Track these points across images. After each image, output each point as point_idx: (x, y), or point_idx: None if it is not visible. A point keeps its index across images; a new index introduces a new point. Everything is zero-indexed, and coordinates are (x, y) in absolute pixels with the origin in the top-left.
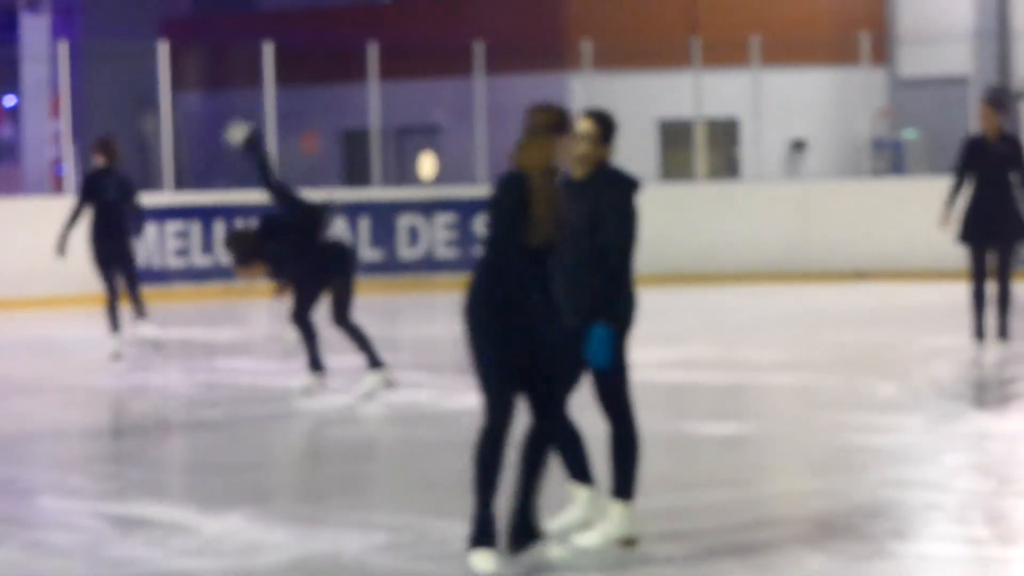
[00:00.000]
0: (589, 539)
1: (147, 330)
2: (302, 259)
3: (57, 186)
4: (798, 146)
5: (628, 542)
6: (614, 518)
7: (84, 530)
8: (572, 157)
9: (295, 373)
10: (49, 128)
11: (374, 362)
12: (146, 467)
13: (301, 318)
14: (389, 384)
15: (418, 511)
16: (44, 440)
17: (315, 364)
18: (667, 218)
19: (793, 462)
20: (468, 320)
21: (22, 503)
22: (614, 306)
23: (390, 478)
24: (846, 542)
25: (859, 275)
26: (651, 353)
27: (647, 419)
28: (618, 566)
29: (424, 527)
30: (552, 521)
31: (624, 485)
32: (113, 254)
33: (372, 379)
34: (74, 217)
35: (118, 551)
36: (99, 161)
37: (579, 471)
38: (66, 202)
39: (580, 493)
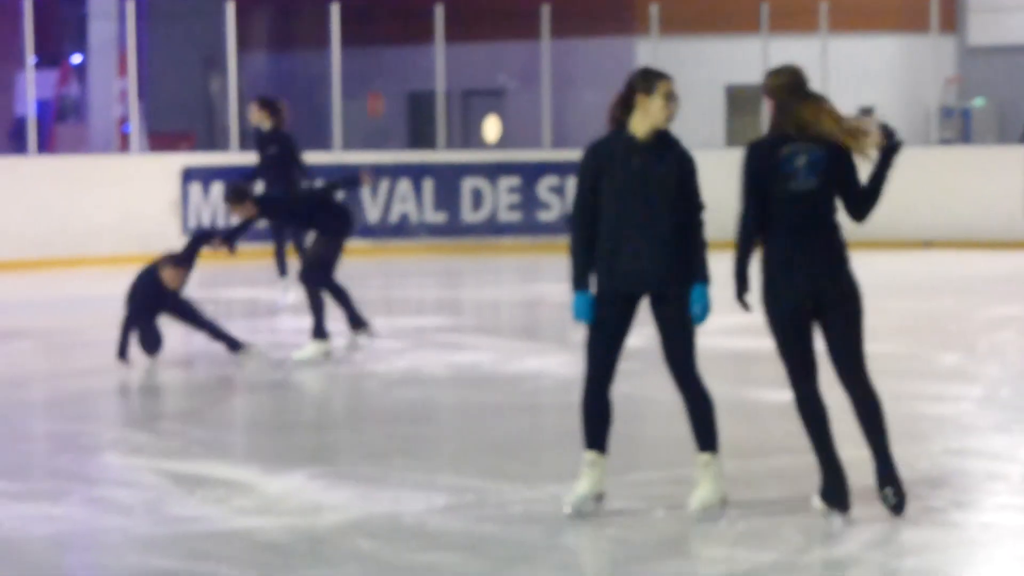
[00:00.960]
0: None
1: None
2: (307, 219)
3: (123, 145)
4: (866, 113)
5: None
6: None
7: (147, 487)
8: (667, 118)
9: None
10: (115, 87)
11: (356, 322)
12: (209, 426)
13: (310, 280)
14: (370, 336)
15: (479, 473)
16: (107, 397)
17: (320, 332)
18: (733, 184)
19: (856, 430)
20: None
21: (85, 459)
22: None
23: (452, 440)
24: (909, 511)
25: (926, 243)
26: (716, 320)
27: (712, 386)
28: (685, 532)
29: (485, 489)
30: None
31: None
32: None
33: (356, 339)
34: (255, 175)
35: (180, 509)
36: (264, 121)
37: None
38: (131, 160)
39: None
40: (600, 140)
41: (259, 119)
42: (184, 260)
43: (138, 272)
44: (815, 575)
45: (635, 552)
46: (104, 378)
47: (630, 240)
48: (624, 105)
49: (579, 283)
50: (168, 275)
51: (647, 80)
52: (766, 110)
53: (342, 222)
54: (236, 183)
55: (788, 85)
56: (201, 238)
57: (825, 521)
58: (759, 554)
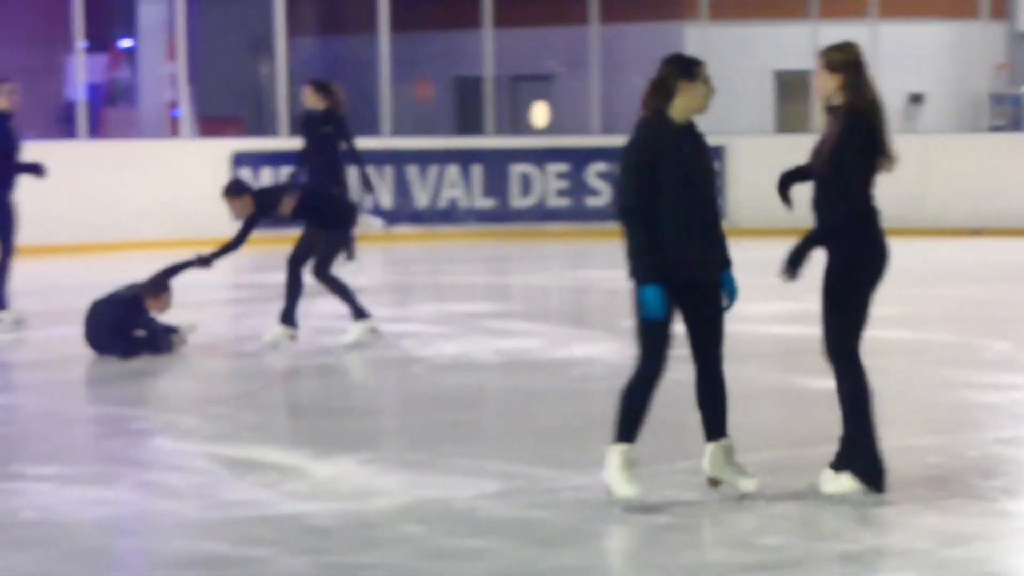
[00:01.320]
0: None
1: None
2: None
3: (172, 129)
4: (916, 99)
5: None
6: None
7: (197, 472)
8: (708, 104)
9: (408, 320)
10: (165, 71)
11: (359, 313)
12: (259, 410)
13: (326, 273)
14: (373, 332)
15: (529, 459)
16: (157, 381)
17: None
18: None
19: (906, 418)
20: None
21: (136, 444)
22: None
23: (501, 426)
24: (960, 500)
25: (976, 231)
26: (763, 307)
27: (759, 373)
28: (736, 520)
29: (535, 475)
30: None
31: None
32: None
33: (357, 328)
34: (303, 158)
35: (231, 493)
36: (318, 103)
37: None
38: (180, 145)
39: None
40: (647, 127)
41: (313, 101)
42: (163, 285)
43: (98, 306)
44: (866, 564)
45: (686, 539)
46: (154, 362)
47: (693, 228)
48: (661, 91)
49: (651, 275)
50: (159, 305)
51: (688, 66)
52: (815, 96)
53: (344, 217)
54: (235, 178)
55: (856, 61)
56: (179, 267)
57: (876, 510)
58: (811, 543)
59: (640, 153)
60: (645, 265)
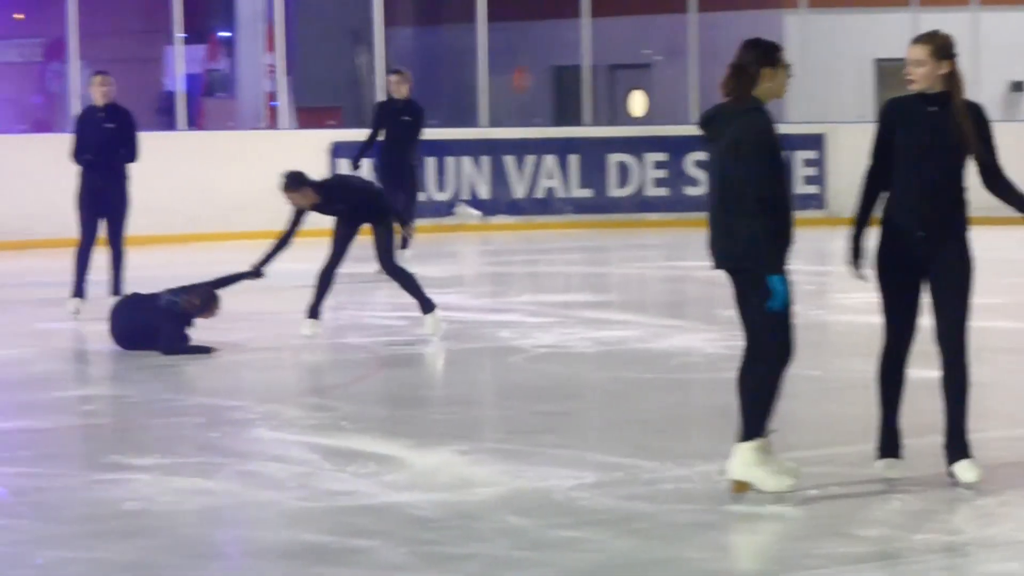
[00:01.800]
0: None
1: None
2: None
3: (271, 120)
4: (1017, 87)
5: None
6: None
7: (298, 462)
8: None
9: (505, 310)
10: (263, 62)
11: (426, 306)
12: (358, 401)
13: (391, 264)
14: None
15: (628, 450)
16: (257, 372)
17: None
18: None
19: (1010, 408)
20: None
21: (236, 434)
22: None
23: (600, 417)
24: None
25: None
26: (863, 296)
27: (858, 364)
28: (839, 512)
29: (634, 466)
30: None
31: None
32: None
33: (431, 321)
34: (366, 143)
35: (331, 484)
36: (404, 92)
37: None
38: (279, 136)
39: None
40: (765, 113)
41: (404, 91)
42: (214, 299)
43: (135, 307)
44: (970, 555)
45: (790, 531)
46: (254, 353)
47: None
48: (744, 77)
49: (783, 263)
50: (208, 315)
51: (772, 53)
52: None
53: (387, 211)
54: (293, 170)
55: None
56: (231, 279)
57: (980, 501)
58: (913, 534)
59: (772, 137)
60: (778, 253)
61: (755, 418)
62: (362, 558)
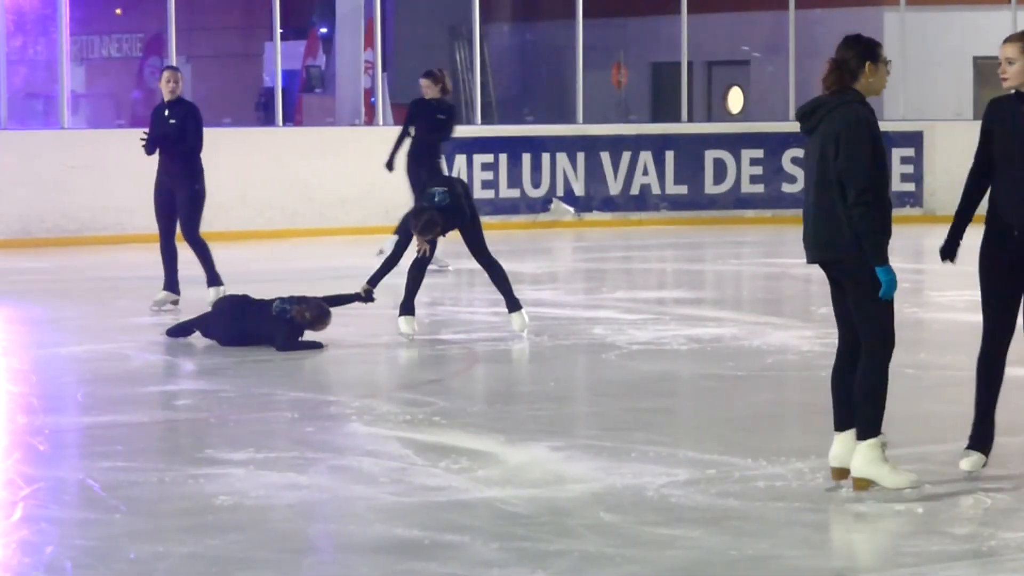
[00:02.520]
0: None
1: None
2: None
3: (369, 116)
4: None
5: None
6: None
7: (392, 457)
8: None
9: (600, 307)
10: (362, 58)
11: (512, 304)
12: (451, 396)
13: (487, 257)
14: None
15: (722, 448)
16: (351, 367)
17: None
18: None
19: None
20: None
21: (331, 429)
22: None
23: (694, 414)
24: None
25: None
26: (959, 294)
27: (953, 361)
28: (932, 510)
29: (728, 463)
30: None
31: None
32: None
33: (517, 319)
34: (398, 140)
35: (424, 479)
36: (434, 92)
37: None
38: (377, 132)
39: None
40: (866, 104)
41: (434, 92)
42: (326, 314)
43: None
44: None
45: (883, 529)
46: (348, 348)
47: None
48: (846, 72)
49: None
50: (322, 325)
51: (874, 49)
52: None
53: (473, 208)
54: (424, 213)
55: None
56: (342, 299)
57: None
58: (1006, 532)
59: (874, 127)
60: (883, 244)
61: (874, 415)
62: (454, 554)
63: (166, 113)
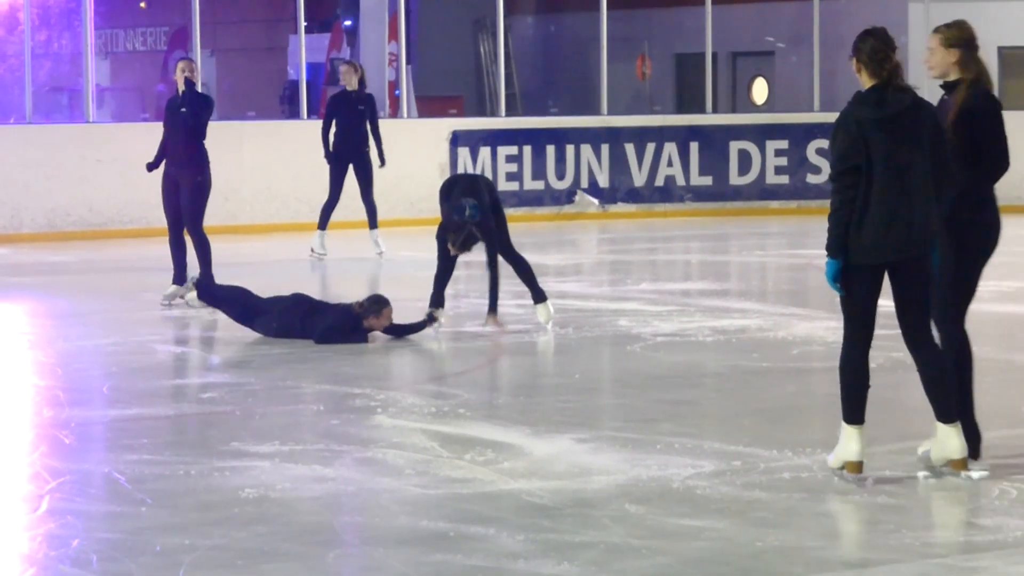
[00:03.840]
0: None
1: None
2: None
3: (393, 109)
4: None
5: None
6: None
7: (417, 449)
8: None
9: (625, 298)
10: (386, 50)
11: (538, 296)
12: (476, 388)
13: (511, 251)
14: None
15: (747, 439)
16: (376, 359)
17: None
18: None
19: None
20: None
21: (356, 421)
22: None
23: (719, 405)
24: None
25: None
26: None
27: (984, 351)
28: (955, 501)
29: (753, 455)
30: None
31: None
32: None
33: (543, 311)
34: (325, 135)
35: (450, 471)
36: (350, 77)
37: None
38: (401, 125)
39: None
40: (852, 106)
41: (354, 81)
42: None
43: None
44: None
45: (907, 520)
46: (374, 340)
47: None
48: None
49: None
50: (381, 316)
51: (855, 43)
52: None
53: (498, 204)
54: (462, 231)
55: (969, 38)
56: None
57: None
58: None
59: (851, 128)
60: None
61: (952, 402)
62: (479, 545)
63: (179, 103)
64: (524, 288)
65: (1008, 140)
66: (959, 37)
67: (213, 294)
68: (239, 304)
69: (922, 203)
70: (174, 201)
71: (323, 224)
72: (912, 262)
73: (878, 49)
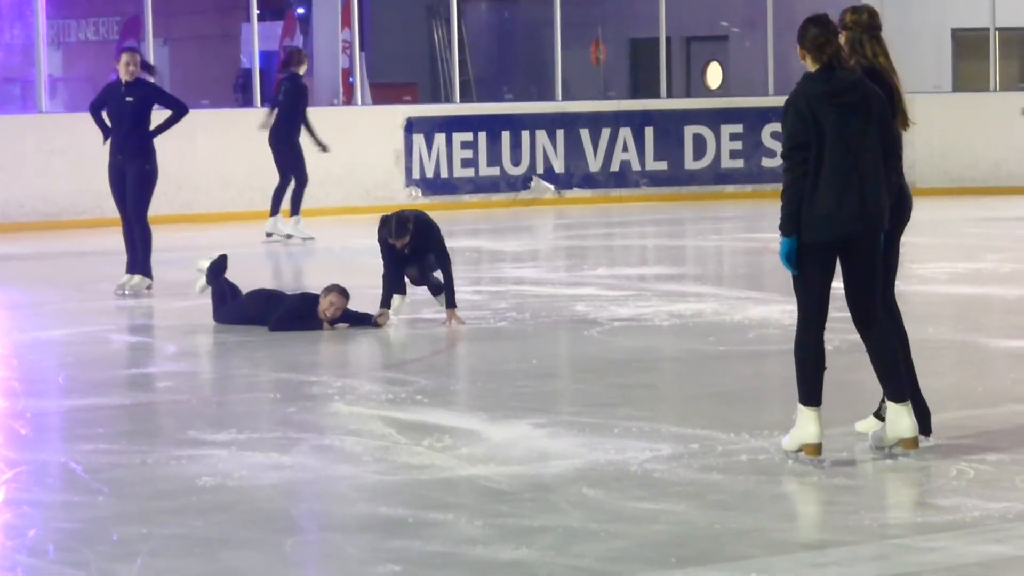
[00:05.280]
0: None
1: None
2: None
3: (347, 96)
4: None
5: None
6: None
7: (374, 436)
8: None
9: (581, 284)
10: (339, 38)
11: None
12: (433, 375)
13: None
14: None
15: (704, 422)
16: (332, 346)
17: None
18: (960, 129)
19: None
20: None
21: (313, 409)
22: None
23: (676, 389)
24: None
25: None
26: (943, 267)
27: (939, 332)
28: (913, 482)
29: (710, 438)
30: None
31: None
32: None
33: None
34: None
35: (408, 457)
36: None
37: None
38: (355, 112)
39: None
40: (802, 85)
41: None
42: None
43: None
44: None
45: (865, 502)
46: (328, 329)
47: None
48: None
49: None
50: (331, 302)
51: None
52: (994, 54)
53: None
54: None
55: (863, 23)
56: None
57: None
58: (988, 503)
59: (800, 105)
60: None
61: (905, 375)
62: (438, 531)
63: (123, 91)
64: (480, 275)
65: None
66: (853, 20)
67: (219, 276)
68: (227, 298)
69: (873, 177)
70: (122, 191)
71: (296, 209)
72: (864, 239)
73: (818, 35)
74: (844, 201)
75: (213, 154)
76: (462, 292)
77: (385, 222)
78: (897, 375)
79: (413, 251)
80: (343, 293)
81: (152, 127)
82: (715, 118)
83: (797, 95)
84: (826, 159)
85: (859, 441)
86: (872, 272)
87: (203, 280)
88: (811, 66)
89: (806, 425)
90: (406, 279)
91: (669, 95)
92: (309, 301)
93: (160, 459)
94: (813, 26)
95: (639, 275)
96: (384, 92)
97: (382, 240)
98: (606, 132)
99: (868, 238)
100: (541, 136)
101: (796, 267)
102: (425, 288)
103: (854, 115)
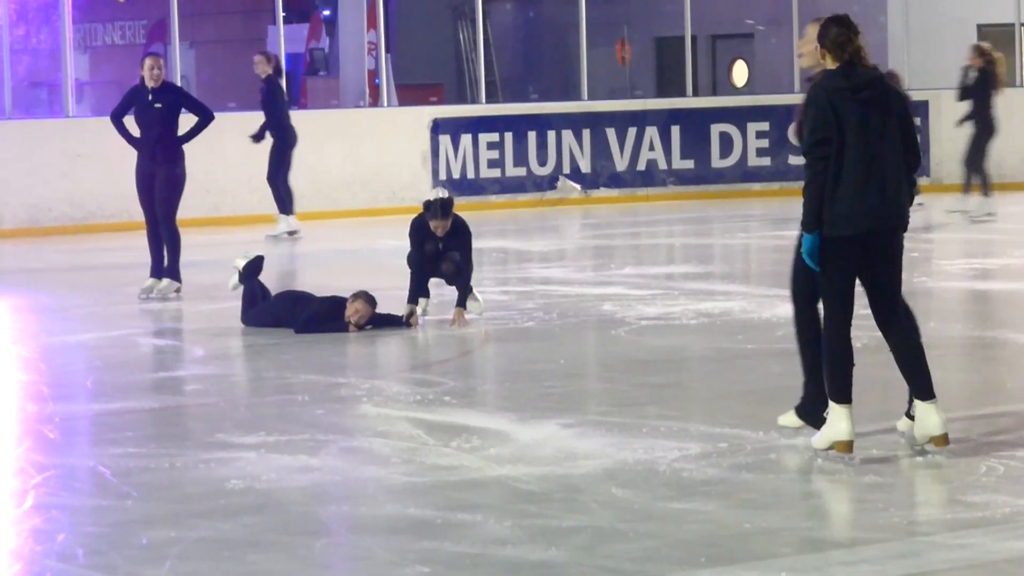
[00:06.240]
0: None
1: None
2: None
3: (373, 98)
4: None
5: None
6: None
7: (403, 437)
8: None
9: (608, 283)
10: (365, 40)
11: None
12: (461, 375)
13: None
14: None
15: (733, 421)
16: (360, 348)
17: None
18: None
19: None
20: None
21: (342, 411)
22: None
23: (704, 388)
24: None
25: None
26: (971, 263)
27: (968, 328)
28: (942, 479)
29: (740, 437)
30: None
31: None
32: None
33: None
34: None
35: (436, 458)
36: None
37: None
38: (381, 114)
39: None
40: (823, 81)
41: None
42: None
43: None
44: None
45: (895, 499)
46: (357, 330)
47: None
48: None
49: None
50: (358, 309)
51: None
52: (1020, 48)
53: None
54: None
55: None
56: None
57: None
58: (1019, 499)
59: (820, 102)
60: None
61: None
62: (467, 532)
63: (150, 98)
64: (508, 275)
65: None
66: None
67: (253, 277)
68: (257, 300)
69: (893, 172)
70: (149, 195)
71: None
72: (884, 236)
73: (840, 34)
74: (866, 195)
75: (240, 157)
76: (489, 292)
77: (429, 204)
78: (920, 374)
79: (446, 244)
80: (369, 301)
81: (179, 134)
82: (741, 116)
83: (818, 90)
84: (848, 153)
85: (888, 438)
86: (891, 271)
87: (236, 278)
88: (831, 64)
89: (837, 422)
90: (433, 279)
91: (695, 93)
92: (337, 304)
93: (188, 462)
94: (835, 25)
95: (666, 274)
96: (410, 93)
97: (417, 227)
98: (632, 131)
99: (889, 233)
100: (567, 136)
101: (819, 263)
102: (450, 290)
103: (874, 111)
